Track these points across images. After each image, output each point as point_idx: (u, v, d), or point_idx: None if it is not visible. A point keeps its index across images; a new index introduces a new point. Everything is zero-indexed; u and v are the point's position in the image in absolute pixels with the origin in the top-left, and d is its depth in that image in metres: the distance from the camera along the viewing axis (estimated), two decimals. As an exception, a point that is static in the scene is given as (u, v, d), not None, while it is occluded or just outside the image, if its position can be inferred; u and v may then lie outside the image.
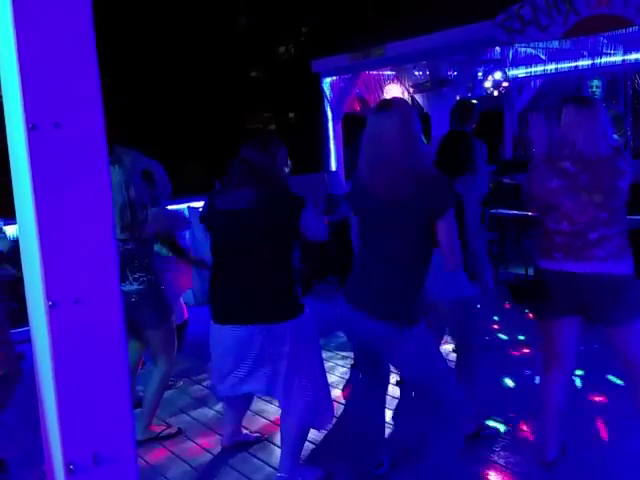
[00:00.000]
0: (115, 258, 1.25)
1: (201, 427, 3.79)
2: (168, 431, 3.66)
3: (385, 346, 2.60)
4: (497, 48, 7.31)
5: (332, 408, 3.09)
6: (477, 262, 3.26)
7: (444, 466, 2.71)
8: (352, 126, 7.69)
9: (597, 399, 3.80)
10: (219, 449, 3.47)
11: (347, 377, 4.44)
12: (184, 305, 4.67)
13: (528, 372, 4.26)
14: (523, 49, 7.27)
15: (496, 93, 8.97)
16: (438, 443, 2.71)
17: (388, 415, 3.59)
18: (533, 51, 7.49)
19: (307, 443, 3.21)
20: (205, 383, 4.43)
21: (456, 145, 3.47)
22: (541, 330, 3.02)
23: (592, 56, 7.46)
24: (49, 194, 1.16)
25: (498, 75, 8.79)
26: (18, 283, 1.54)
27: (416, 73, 8.26)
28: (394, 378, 4.03)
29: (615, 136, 8.14)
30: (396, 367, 2.96)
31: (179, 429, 3.72)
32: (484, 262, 3.34)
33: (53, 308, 1.18)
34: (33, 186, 1.14)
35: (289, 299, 2.87)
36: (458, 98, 7.31)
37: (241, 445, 3.47)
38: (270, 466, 3.26)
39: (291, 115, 18.93)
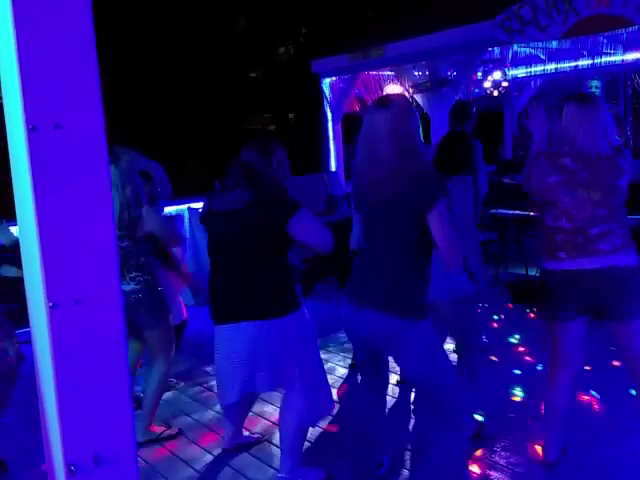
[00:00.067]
0: (116, 259, 1.25)
1: (202, 428, 3.79)
2: (169, 432, 3.66)
3: (390, 343, 2.60)
4: (497, 48, 7.31)
5: (330, 407, 3.11)
6: (469, 260, 3.25)
7: (444, 466, 2.71)
8: (352, 126, 7.69)
9: (597, 399, 3.81)
10: (220, 450, 3.47)
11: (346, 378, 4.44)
12: (183, 305, 4.66)
13: (528, 372, 4.26)
14: (523, 49, 7.28)
15: (496, 93, 8.98)
16: (439, 443, 2.71)
17: (388, 415, 3.59)
18: (533, 51, 7.50)
19: (307, 443, 3.21)
20: (206, 384, 4.43)
21: (456, 145, 3.48)
22: (547, 332, 3.01)
23: (592, 56, 7.46)
24: (49, 195, 1.16)
25: (498, 75, 8.80)
26: (19, 284, 1.54)
27: (416, 73, 8.27)
28: (394, 378, 4.03)
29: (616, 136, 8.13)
30: (400, 365, 2.95)
31: (179, 430, 3.71)
32: (476, 261, 3.33)
33: (53, 309, 1.17)
34: (33, 187, 1.14)
35: (283, 297, 2.88)
36: (457, 98, 7.32)
37: (242, 446, 3.47)
38: (271, 467, 3.26)
39: (291, 115, 18.95)
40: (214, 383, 3.85)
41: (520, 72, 9.16)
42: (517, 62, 8.34)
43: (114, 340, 1.25)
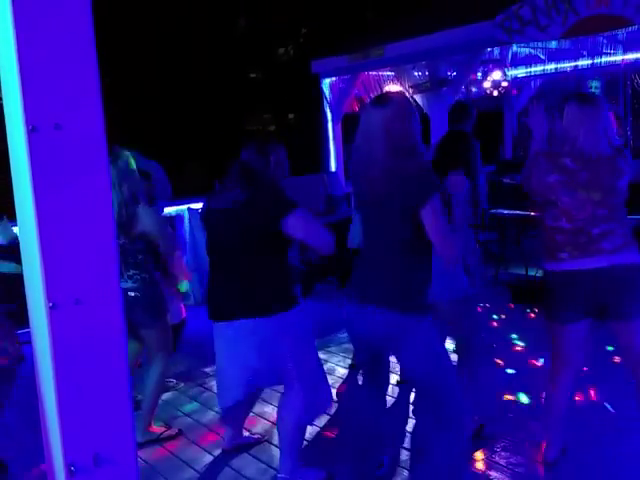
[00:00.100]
0: (116, 259, 1.25)
1: (202, 428, 3.79)
2: (168, 432, 3.66)
3: (391, 343, 2.60)
4: (496, 48, 7.31)
5: (328, 405, 3.11)
6: (467, 261, 3.25)
7: (444, 466, 2.70)
8: (351, 126, 7.69)
9: (597, 399, 3.80)
10: (220, 450, 3.47)
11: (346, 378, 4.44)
12: (182, 305, 4.66)
13: (529, 372, 4.26)
14: (522, 49, 7.28)
15: (495, 93, 8.98)
16: (439, 443, 2.71)
17: (388, 415, 3.59)
18: (532, 51, 7.50)
19: (307, 443, 3.21)
20: (205, 384, 4.43)
21: (455, 145, 3.48)
22: (549, 333, 3.01)
23: (591, 56, 7.45)
24: (49, 195, 1.16)
25: (497, 75, 8.80)
26: (18, 284, 1.54)
27: (415, 73, 8.27)
28: (394, 378, 4.03)
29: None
30: (402, 363, 2.95)
31: (179, 430, 3.71)
32: (474, 261, 3.33)
33: (53, 309, 1.18)
34: (33, 187, 1.14)
35: (281, 295, 2.89)
36: (457, 98, 7.33)
37: (242, 446, 3.47)
38: (271, 467, 3.26)
39: (291, 116, 18.94)
40: (214, 383, 3.85)
41: (520, 72, 9.16)
42: (517, 62, 8.34)
43: (114, 340, 1.25)
